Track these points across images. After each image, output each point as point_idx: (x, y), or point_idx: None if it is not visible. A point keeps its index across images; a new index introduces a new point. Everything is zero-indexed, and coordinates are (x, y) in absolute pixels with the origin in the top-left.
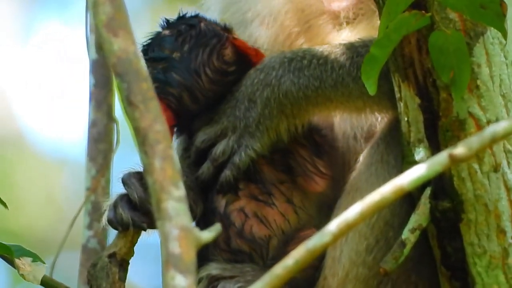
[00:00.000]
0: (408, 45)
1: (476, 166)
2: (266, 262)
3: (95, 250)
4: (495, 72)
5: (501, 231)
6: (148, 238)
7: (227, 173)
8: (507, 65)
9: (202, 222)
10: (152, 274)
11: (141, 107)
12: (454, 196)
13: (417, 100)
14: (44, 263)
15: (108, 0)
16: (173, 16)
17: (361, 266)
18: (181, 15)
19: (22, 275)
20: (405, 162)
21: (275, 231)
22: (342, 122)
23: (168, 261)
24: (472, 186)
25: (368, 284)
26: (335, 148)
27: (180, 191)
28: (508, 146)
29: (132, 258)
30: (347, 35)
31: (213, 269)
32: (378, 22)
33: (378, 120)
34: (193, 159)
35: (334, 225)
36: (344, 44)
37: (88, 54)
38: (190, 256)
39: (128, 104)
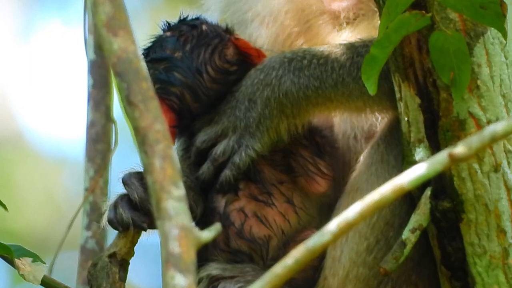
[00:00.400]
0: (408, 45)
1: (476, 166)
2: (266, 263)
3: (93, 251)
4: (495, 72)
5: (501, 231)
6: (148, 238)
7: (227, 173)
8: (507, 65)
9: (202, 222)
10: (152, 274)
11: (141, 107)
12: (454, 196)
13: (417, 100)
14: (44, 263)
15: (108, 0)
16: (173, 16)
17: (361, 266)
18: (182, 17)
19: (22, 275)
20: (405, 162)
21: (275, 232)
22: (342, 122)
23: (168, 261)
24: (472, 186)
25: (368, 284)
26: (336, 148)
27: (180, 191)
28: (508, 146)
29: (132, 258)
30: (347, 35)
31: (213, 269)
32: (378, 22)
33: (378, 120)
34: (193, 159)
35: (334, 224)
36: (344, 44)
37: (87, 54)
38: (190, 256)
39: (128, 103)
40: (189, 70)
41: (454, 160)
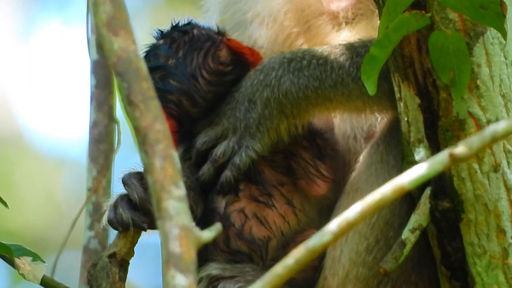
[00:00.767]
0: (408, 45)
1: (476, 166)
2: (266, 263)
3: (96, 251)
4: (495, 72)
5: (501, 231)
6: (148, 238)
7: (227, 173)
8: (507, 65)
9: (202, 222)
10: (152, 274)
11: (141, 107)
12: (454, 196)
13: (417, 100)
14: (44, 262)
15: (108, 0)
16: (172, 17)
17: (361, 266)
18: (173, 24)
19: (22, 275)
20: (405, 162)
21: (274, 233)
22: (342, 122)
23: (169, 261)
24: (472, 186)
25: (368, 284)
26: (336, 151)
27: (180, 191)
28: (508, 146)
29: (132, 258)
30: (347, 35)
31: (213, 269)
32: (378, 22)
33: (378, 120)
34: (193, 160)
35: (334, 224)
36: (344, 45)
37: (89, 54)
38: (191, 256)
39: (129, 103)
40: (184, 76)
41: (455, 160)
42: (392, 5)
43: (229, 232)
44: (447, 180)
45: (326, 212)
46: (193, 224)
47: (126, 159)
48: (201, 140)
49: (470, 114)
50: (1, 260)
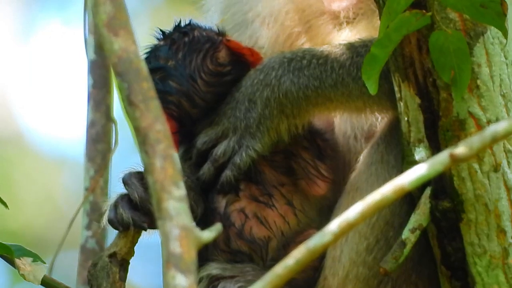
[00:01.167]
0: (409, 45)
1: (476, 166)
2: (266, 263)
3: (93, 250)
4: (495, 72)
5: (501, 231)
6: (148, 238)
7: (227, 173)
8: (507, 65)
9: (202, 222)
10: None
11: (142, 107)
12: (454, 196)
13: (417, 100)
14: (44, 262)
15: (109, 0)
16: (172, 17)
17: (361, 266)
18: (175, 24)
19: (22, 275)
20: (405, 162)
21: (274, 233)
22: (342, 122)
23: (169, 261)
24: (472, 186)
25: (368, 284)
26: (337, 151)
27: (180, 191)
28: (508, 146)
29: (132, 258)
30: (347, 35)
31: (213, 269)
32: (378, 22)
33: (378, 120)
34: (194, 160)
35: (335, 224)
36: (344, 44)
37: (87, 54)
38: (191, 256)
39: (129, 103)
40: (183, 78)
41: (455, 160)
42: (393, 4)
43: (229, 232)
44: (447, 180)
45: (326, 212)
46: (194, 224)
47: (124, 158)
48: (202, 139)
49: (471, 114)
50: (2, 260)
